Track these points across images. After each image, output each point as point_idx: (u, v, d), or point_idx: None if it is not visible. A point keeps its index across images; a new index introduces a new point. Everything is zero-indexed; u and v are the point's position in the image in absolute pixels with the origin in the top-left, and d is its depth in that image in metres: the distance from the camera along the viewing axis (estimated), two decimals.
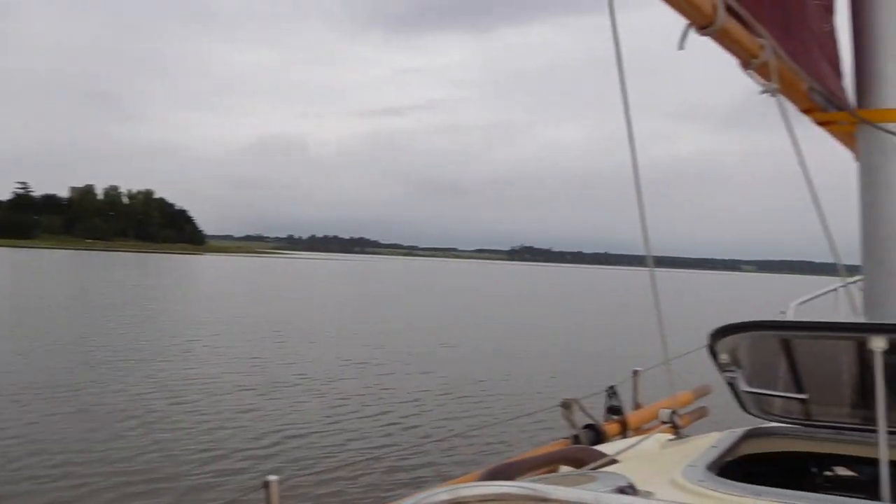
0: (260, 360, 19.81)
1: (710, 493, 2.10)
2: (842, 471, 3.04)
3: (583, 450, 3.24)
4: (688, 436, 3.52)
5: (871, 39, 3.58)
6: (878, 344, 2.22)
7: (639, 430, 4.35)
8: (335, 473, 9.28)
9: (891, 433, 2.75)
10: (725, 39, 2.99)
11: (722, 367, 2.73)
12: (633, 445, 3.26)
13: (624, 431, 4.43)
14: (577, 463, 2.88)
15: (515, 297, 56.59)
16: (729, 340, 2.64)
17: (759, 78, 3.19)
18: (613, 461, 2.80)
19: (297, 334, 25.91)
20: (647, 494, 1.89)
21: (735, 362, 2.74)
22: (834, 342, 2.57)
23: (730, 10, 2.95)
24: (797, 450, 2.95)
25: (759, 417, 3.08)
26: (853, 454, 2.93)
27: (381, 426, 12.95)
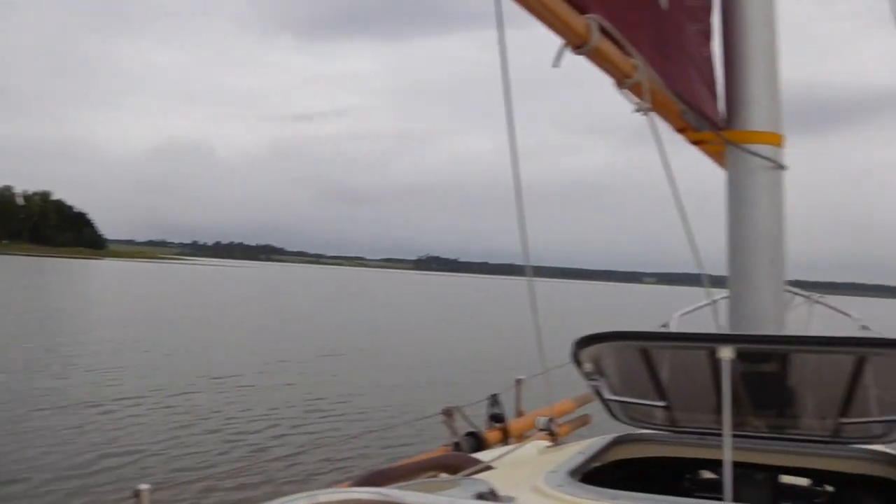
0: (117, 370, 18.61)
1: (568, 497, 2.16)
2: (708, 474, 3.16)
3: (457, 457, 3.28)
4: (565, 443, 3.61)
5: (740, 65, 3.77)
6: (726, 353, 2.33)
7: (520, 438, 4.42)
8: (207, 482, 9.14)
9: (739, 436, 2.90)
10: (599, 59, 3.10)
11: (586, 376, 2.82)
12: (508, 452, 3.32)
13: (505, 439, 4.50)
14: (452, 469, 2.92)
15: (412, 307, 56.52)
16: (592, 350, 2.73)
17: (633, 97, 3.32)
18: (488, 468, 2.85)
19: (182, 343, 24.70)
20: (508, 500, 1.93)
21: (599, 371, 2.83)
22: (689, 352, 2.69)
23: (604, 31, 3.07)
24: (664, 455, 3.06)
25: (628, 424, 3.19)
26: (716, 458, 3.07)
27: (259, 434, 12.75)
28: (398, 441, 11.10)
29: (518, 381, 5.21)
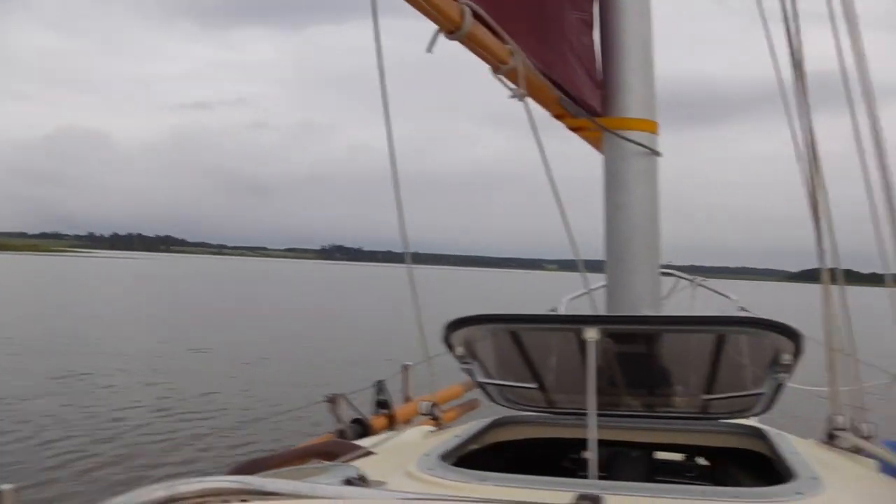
0: None
1: (437, 480, 2.17)
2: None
3: (336, 443, 3.26)
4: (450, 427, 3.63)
5: (616, 54, 3.85)
6: (591, 334, 2.38)
7: (408, 424, 4.42)
8: (77, 478, 8.97)
9: (611, 416, 2.97)
10: (473, 45, 3.11)
11: (459, 360, 2.84)
12: (390, 438, 3.32)
13: (392, 425, 4.49)
14: (330, 456, 2.90)
15: (308, 297, 55.79)
16: (462, 333, 2.75)
17: (508, 83, 3.34)
18: (368, 453, 2.84)
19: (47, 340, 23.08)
20: (378, 484, 1.93)
21: (471, 354, 2.85)
22: (558, 333, 2.73)
23: (477, 17, 3.08)
24: (543, 436, 3.11)
25: (506, 406, 3.23)
26: (603, 438, 3.14)
27: (132, 425, 12.36)
28: (282, 431, 10.90)
29: (405, 367, 5.21)
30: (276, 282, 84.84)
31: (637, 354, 2.86)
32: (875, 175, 4.56)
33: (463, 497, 1.92)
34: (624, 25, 3.85)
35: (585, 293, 5.95)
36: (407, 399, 5.16)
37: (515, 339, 2.81)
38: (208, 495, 1.52)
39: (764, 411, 2.98)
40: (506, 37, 3.17)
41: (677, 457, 3.32)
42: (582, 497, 1.59)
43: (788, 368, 2.54)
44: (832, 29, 4.58)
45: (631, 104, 3.74)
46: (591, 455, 2.31)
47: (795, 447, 2.73)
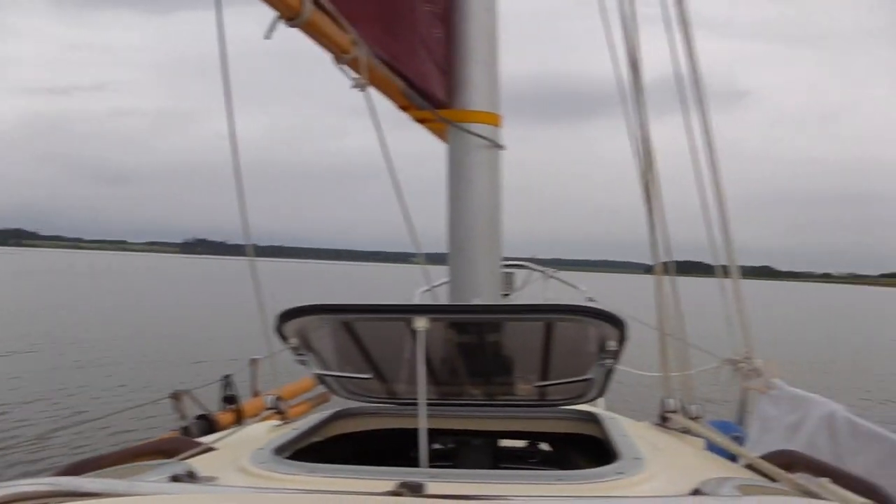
0: None
1: (269, 474, 2.13)
2: (437, 444, 3.25)
3: (175, 440, 3.16)
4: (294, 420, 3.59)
5: (462, 47, 3.89)
6: (420, 324, 2.40)
7: (255, 419, 4.35)
8: None
9: (450, 405, 3.01)
10: (313, 32, 3.08)
11: (293, 351, 2.80)
12: (233, 433, 3.26)
13: (240, 420, 4.41)
14: (169, 454, 2.81)
15: (165, 292, 54.03)
16: (296, 324, 2.71)
17: (351, 72, 3.32)
18: (209, 449, 2.77)
19: None
20: (208, 480, 1.88)
21: (306, 345, 2.83)
22: (390, 323, 2.74)
23: (318, 4, 3.04)
24: (385, 427, 3.11)
25: (348, 398, 3.22)
26: (436, 427, 3.16)
27: None
28: (123, 431, 10.47)
29: (253, 361, 5.12)
30: (132, 277, 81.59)
31: (472, 344, 2.90)
32: (706, 173, 4.81)
33: (284, 489, 1.90)
34: (470, 20, 3.89)
35: (438, 285, 6.01)
36: (255, 394, 5.07)
37: (349, 329, 2.80)
38: (16, 500, 1.45)
39: (598, 396, 3.08)
40: (347, 25, 3.15)
41: (521, 444, 3.39)
42: (403, 485, 1.60)
43: (615, 354, 2.63)
44: (667, 32, 4.81)
45: (475, 97, 3.79)
46: (422, 444, 2.33)
47: (626, 430, 2.84)
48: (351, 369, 2.98)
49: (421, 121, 3.99)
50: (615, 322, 2.52)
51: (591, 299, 7.59)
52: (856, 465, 4.16)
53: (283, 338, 2.73)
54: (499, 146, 3.79)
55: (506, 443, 3.34)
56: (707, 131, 4.60)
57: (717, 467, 2.64)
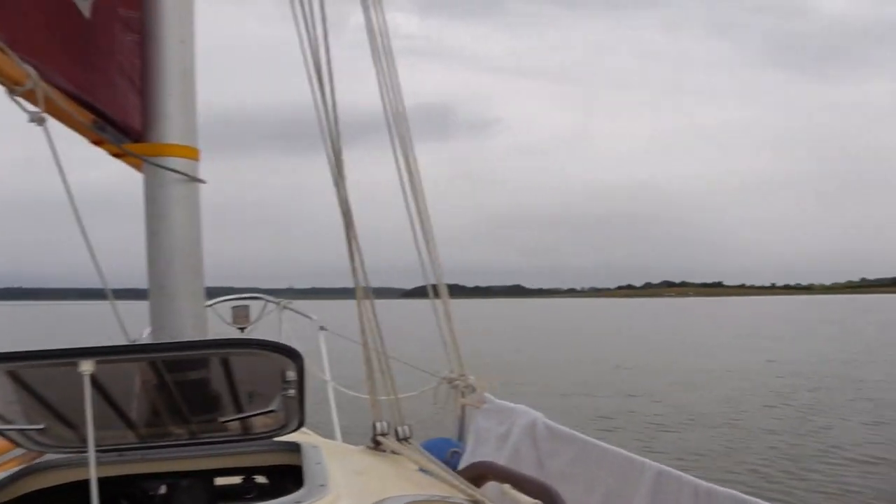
0: None
1: None
2: (163, 489, 3.11)
3: None
4: None
5: (155, 80, 3.81)
6: (86, 367, 2.31)
7: None
8: None
9: (126, 449, 2.92)
10: None
11: None
12: None
13: None
14: None
15: None
16: None
17: (29, 105, 3.14)
18: None
19: None
20: None
21: None
22: (56, 369, 2.61)
23: None
24: (79, 479, 2.95)
25: (38, 450, 3.02)
26: (138, 472, 3.04)
27: None
28: None
29: None
30: None
31: (155, 383, 2.84)
32: (410, 200, 5.04)
33: None
34: (163, 52, 3.82)
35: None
36: None
37: (17, 378, 2.65)
38: None
39: (299, 425, 3.11)
40: (14, 57, 2.97)
41: (238, 480, 3.35)
42: None
43: (295, 384, 2.69)
44: (375, 65, 4.99)
45: (170, 131, 3.72)
46: (93, 495, 2.23)
47: (326, 457, 2.89)
48: (25, 421, 2.81)
49: (117, 155, 3.85)
50: (289, 353, 2.57)
51: (322, 328, 7.68)
52: (554, 465, 4.53)
53: None
54: (198, 180, 3.75)
55: (223, 480, 3.29)
56: (408, 161, 4.82)
57: (413, 486, 2.76)
